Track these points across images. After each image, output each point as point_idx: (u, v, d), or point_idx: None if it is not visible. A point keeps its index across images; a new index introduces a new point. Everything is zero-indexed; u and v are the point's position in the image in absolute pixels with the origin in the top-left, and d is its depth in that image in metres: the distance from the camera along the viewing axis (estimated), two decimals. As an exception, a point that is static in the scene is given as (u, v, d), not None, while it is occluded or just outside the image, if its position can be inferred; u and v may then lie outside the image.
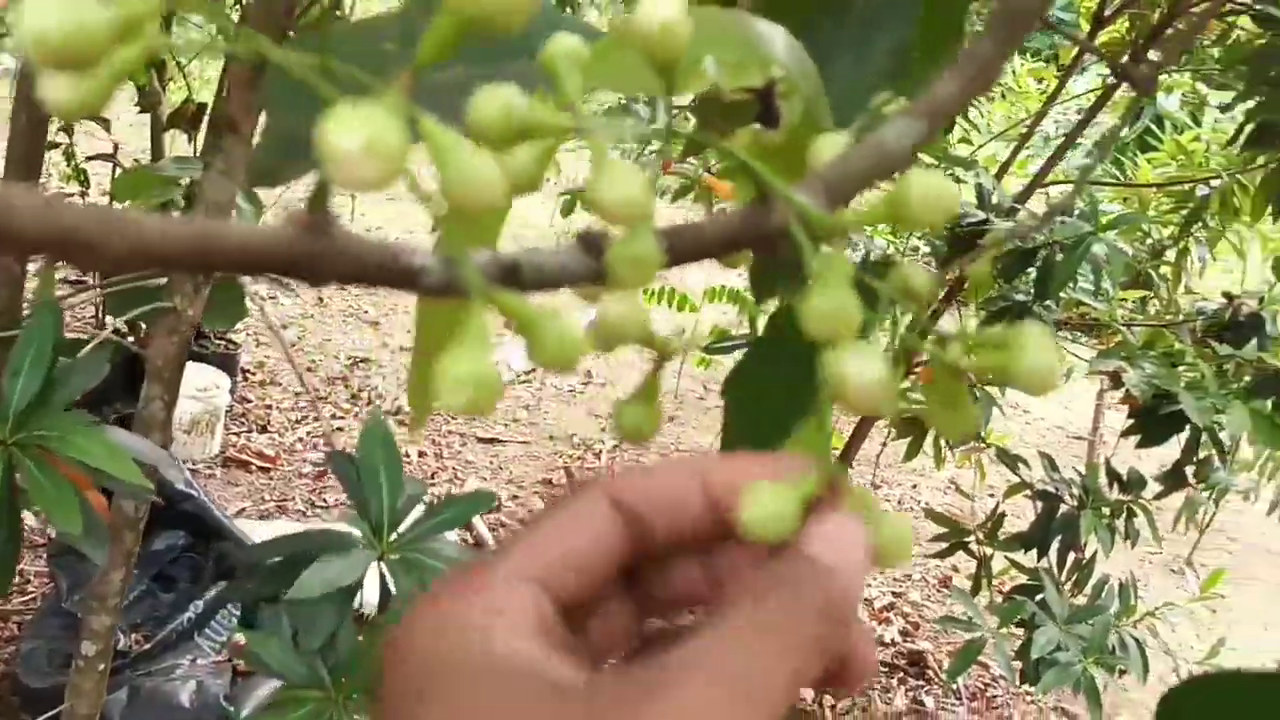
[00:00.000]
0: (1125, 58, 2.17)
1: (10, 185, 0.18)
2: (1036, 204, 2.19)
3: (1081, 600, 1.97)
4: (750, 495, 0.25)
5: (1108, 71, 2.29)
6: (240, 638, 1.87)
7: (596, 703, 0.21)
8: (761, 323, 2.02)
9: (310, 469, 2.77)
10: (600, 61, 0.30)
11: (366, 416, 3.08)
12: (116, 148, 2.39)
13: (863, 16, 0.53)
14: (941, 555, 2.12)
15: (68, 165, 2.65)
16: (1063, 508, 2.01)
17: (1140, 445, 2.00)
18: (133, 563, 1.09)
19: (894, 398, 0.25)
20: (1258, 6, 1.64)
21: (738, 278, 2.67)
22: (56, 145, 2.44)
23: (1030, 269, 1.91)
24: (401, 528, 0.85)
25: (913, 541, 0.26)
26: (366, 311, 3.80)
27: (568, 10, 2.41)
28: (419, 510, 0.89)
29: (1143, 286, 2.32)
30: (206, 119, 2.43)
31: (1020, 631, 1.86)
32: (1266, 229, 2.38)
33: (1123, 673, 1.91)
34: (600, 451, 3.17)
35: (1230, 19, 1.91)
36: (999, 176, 2.24)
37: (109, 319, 2.34)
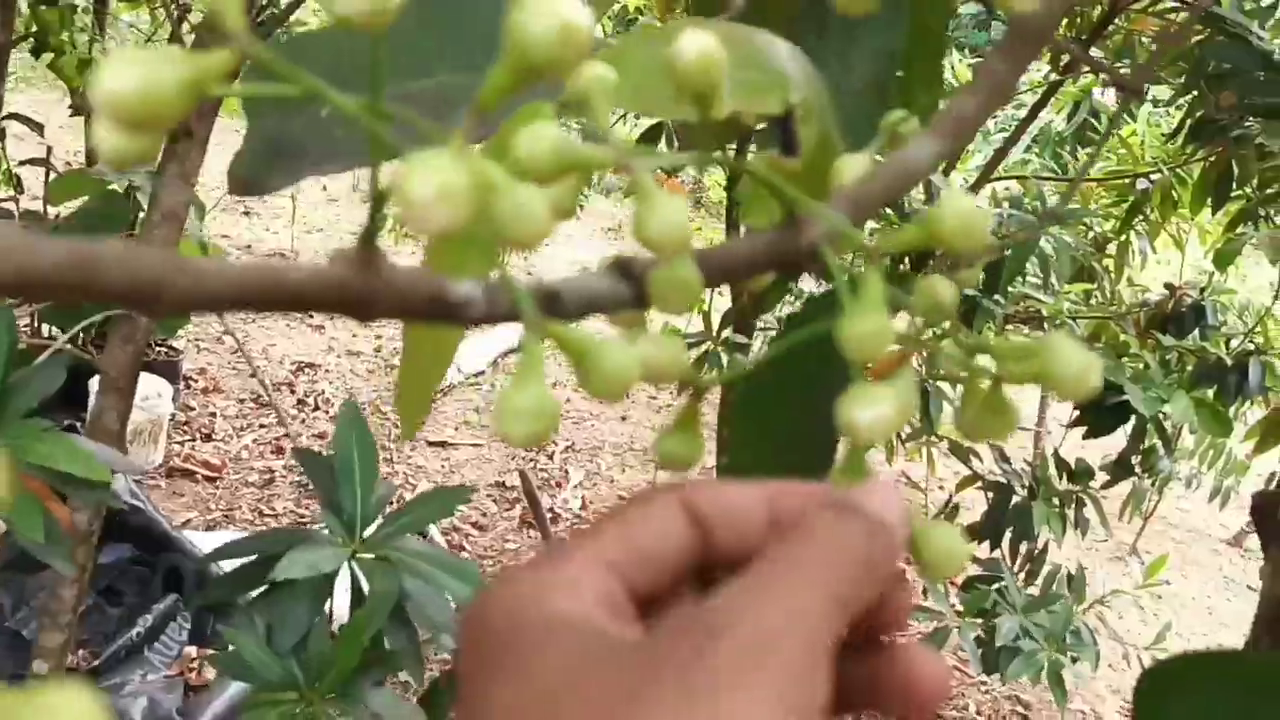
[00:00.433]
0: (1066, 55, 2.20)
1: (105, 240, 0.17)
2: (983, 199, 2.22)
3: (1034, 590, 2.00)
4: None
5: (1048, 68, 2.33)
6: (192, 651, 1.83)
7: (655, 655, 0.22)
8: (715, 320, 2.00)
9: (257, 477, 2.72)
10: (627, 78, 0.30)
11: (311, 422, 3.04)
12: (50, 152, 2.33)
13: (845, 26, 0.53)
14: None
15: (1, 168, 2.58)
16: (1014, 499, 2.04)
17: (1088, 436, 2.03)
18: (85, 578, 1.06)
19: (895, 428, 0.26)
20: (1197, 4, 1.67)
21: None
22: (-14, 149, 2.37)
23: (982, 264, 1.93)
24: (373, 527, 0.84)
25: (965, 553, 0.27)
26: (310, 315, 3.74)
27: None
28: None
29: (1087, 280, 2.36)
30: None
31: (979, 620, 1.89)
32: (1205, 221, 2.44)
33: (1075, 659, 1.94)
34: (553, 453, 3.15)
35: (1171, 16, 1.94)
36: (945, 173, 2.27)
37: (45, 327, 2.28)
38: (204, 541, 2.01)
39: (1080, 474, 2.09)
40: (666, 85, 0.27)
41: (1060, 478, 2.08)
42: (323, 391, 3.22)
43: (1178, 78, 2.02)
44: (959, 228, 0.25)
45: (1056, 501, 2.04)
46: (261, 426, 2.93)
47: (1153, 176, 2.27)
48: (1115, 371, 2.02)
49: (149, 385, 2.60)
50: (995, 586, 1.88)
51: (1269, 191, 2.07)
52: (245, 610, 0.81)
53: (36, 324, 2.34)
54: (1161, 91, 2.70)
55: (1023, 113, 2.16)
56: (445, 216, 0.19)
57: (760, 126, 0.36)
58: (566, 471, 3.07)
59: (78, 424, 2.07)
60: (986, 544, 2.04)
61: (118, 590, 1.89)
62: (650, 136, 2.03)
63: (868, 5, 0.33)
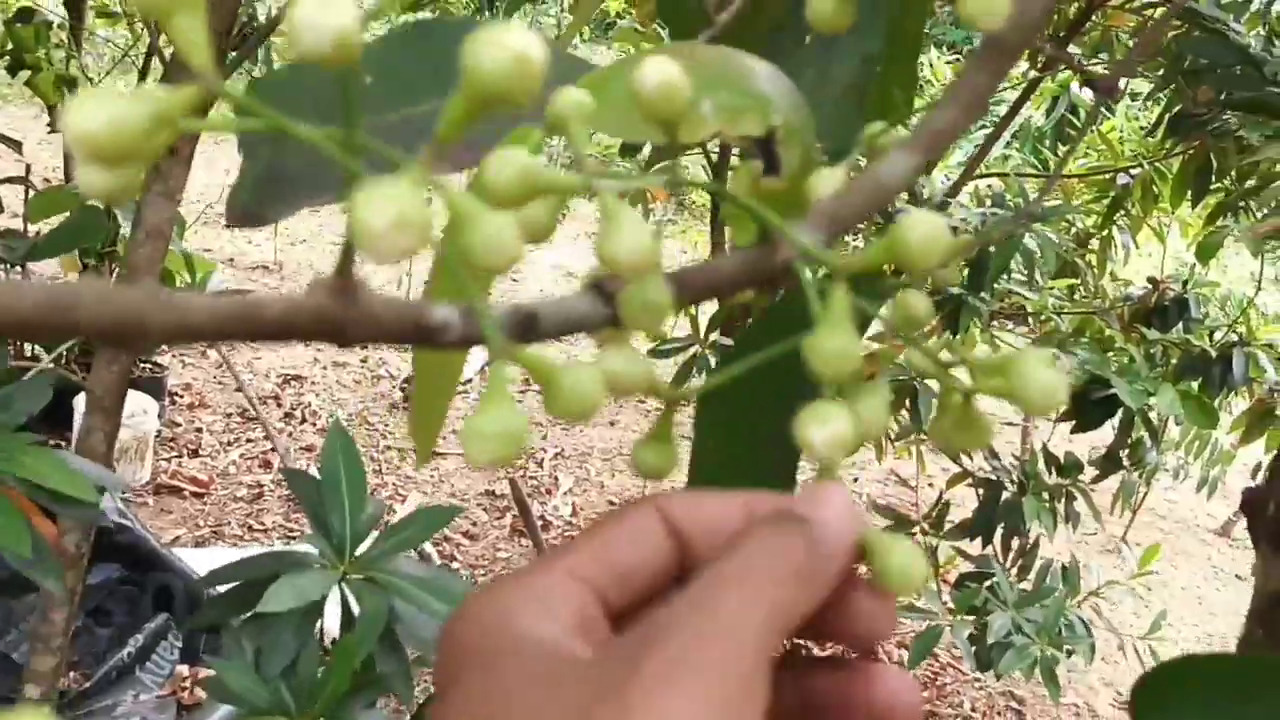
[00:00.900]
0: (1044, 51, 2.21)
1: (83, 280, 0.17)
2: (965, 196, 2.23)
3: (1026, 585, 2.00)
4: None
5: (1025, 65, 2.34)
6: (184, 670, 1.82)
7: (602, 671, 0.22)
8: (702, 324, 2.00)
9: (245, 492, 2.71)
10: (604, 105, 0.30)
11: (298, 435, 3.02)
12: (29, 169, 2.32)
13: (822, 37, 0.53)
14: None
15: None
16: (1004, 494, 2.04)
17: (1075, 430, 2.04)
18: (76, 601, 1.05)
19: (851, 445, 0.26)
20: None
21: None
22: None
23: (963, 262, 1.94)
24: (363, 546, 0.83)
25: (923, 570, 0.27)
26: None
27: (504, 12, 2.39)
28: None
29: (1070, 275, 2.37)
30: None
31: (970, 618, 1.89)
32: (1186, 214, 2.45)
33: (1070, 653, 1.94)
34: (543, 460, 3.15)
35: (1147, 11, 1.96)
36: (927, 173, 2.27)
37: (28, 347, 2.26)
38: (193, 558, 2.00)
39: (1069, 468, 2.10)
40: (623, 103, 0.28)
41: (1049, 472, 2.09)
42: (309, 404, 3.21)
43: (1156, 73, 2.03)
44: (921, 247, 0.25)
45: (1046, 496, 2.05)
46: (249, 441, 2.92)
47: (1133, 171, 2.28)
48: (1101, 365, 2.02)
49: (134, 402, 2.59)
50: (987, 584, 1.89)
51: (1248, 184, 2.09)
52: (234, 634, 0.80)
53: (19, 343, 2.33)
54: (1140, 86, 2.71)
55: (1003, 109, 2.17)
56: (400, 245, 0.19)
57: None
58: (556, 478, 3.06)
59: (62, 444, 2.06)
60: (979, 540, 2.04)
61: (107, 610, 1.87)
62: (632, 147, 2.02)
63: (844, 23, 0.34)
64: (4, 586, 1.81)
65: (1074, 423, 2.06)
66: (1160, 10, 1.88)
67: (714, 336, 1.94)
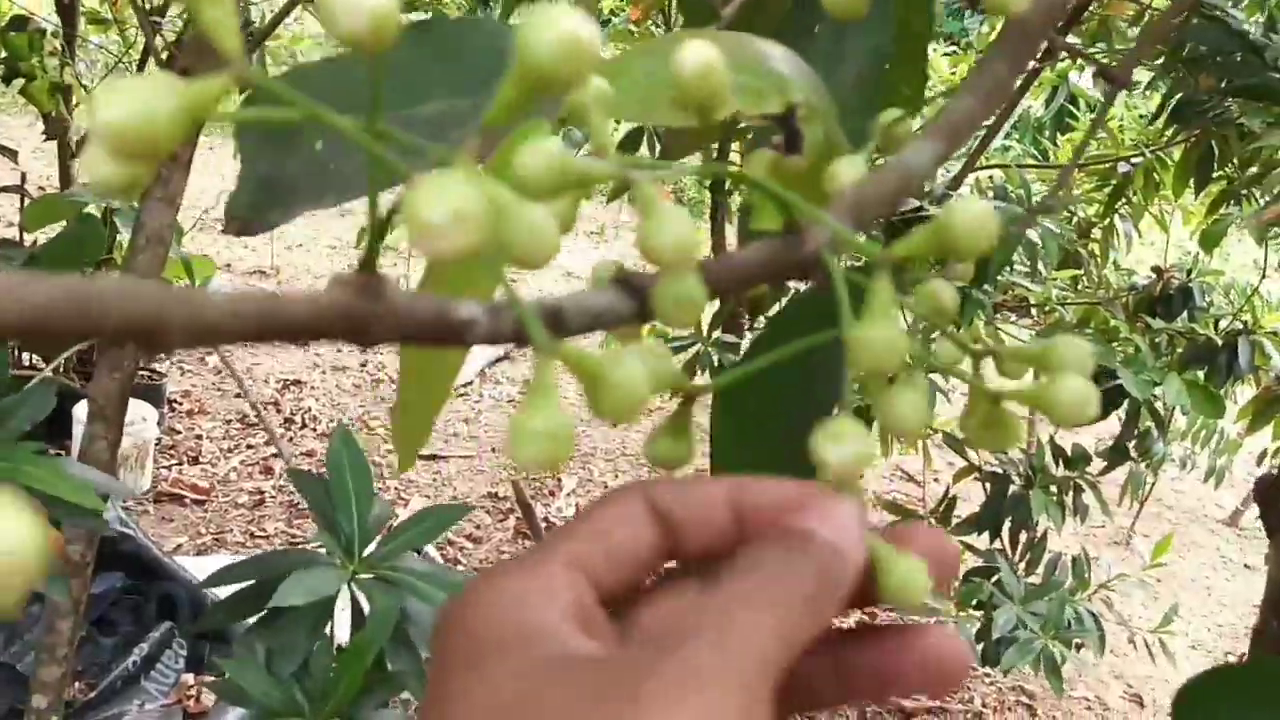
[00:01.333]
0: (1054, 43, 2.20)
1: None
2: (967, 189, 2.22)
3: (1035, 579, 1.99)
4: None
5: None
6: (189, 678, 1.81)
7: (608, 673, 0.23)
8: (705, 321, 2.00)
9: (247, 499, 2.70)
10: (626, 94, 0.31)
11: (299, 440, 3.01)
12: (24, 178, 2.31)
13: (833, 27, 0.53)
14: (895, 543, 2.13)
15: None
16: (1012, 488, 2.03)
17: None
18: (81, 610, 1.04)
19: (868, 465, 0.26)
20: (1174, -15, 1.67)
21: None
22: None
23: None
24: (372, 545, 0.83)
25: (926, 584, 0.27)
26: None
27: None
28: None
29: (1073, 266, 2.35)
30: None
31: (978, 613, 1.88)
32: (1188, 203, 2.44)
33: (1080, 646, 1.93)
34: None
35: (1146, 0, 1.94)
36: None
37: (26, 356, 2.25)
38: (196, 566, 1.99)
39: (1076, 460, 2.09)
40: (667, 95, 0.28)
41: (1056, 465, 2.08)
42: (309, 409, 3.19)
43: (1156, 61, 2.02)
44: (971, 233, 0.25)
45: (1054, 489, 2.04)
46: (249, 447, 2.91)
47: (1134, 160, 2.27)
48: (1107, 356, 2.01)
49: (133, 410, 2.57)
50: (994, 579, 1.87)
51: (1251, 172, 2.08)
52: (244, 637, 0.80)
53: (17, 353, 2.32)
54: (1140, 74, 2.70)
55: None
56: (460, 240, 0.19)
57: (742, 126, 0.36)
58: (559, 479, 3.05)
59: (62, 452, 2.05)
60: (987, 535, 2.03)
61: (111, 620, 1.86)
62: (631, 140, 2.01)
63: (859, 10, 0.33)
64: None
65: (1080, 414, 2.05)
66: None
67: (717, 334, 1.93)
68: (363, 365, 3.51)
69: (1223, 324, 2.08)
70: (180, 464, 2.80)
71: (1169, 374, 1.97)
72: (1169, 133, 2.09)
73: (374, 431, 3.08)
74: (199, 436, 2.93)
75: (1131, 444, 2.07)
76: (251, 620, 0.80)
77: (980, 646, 1.84)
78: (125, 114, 0.18)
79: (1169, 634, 2.11)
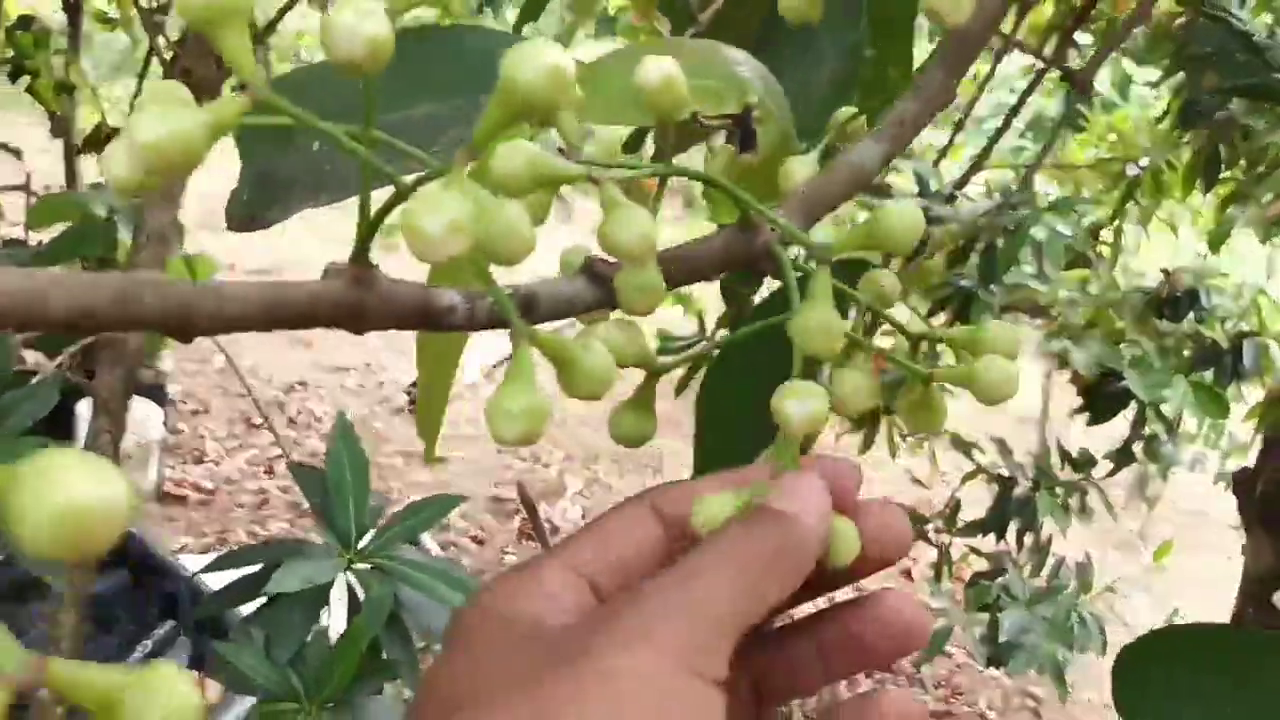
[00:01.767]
0: (1051, 41, 2.19)
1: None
2: (974, 188, 2.21)
3: (1040, 581, 1.99)
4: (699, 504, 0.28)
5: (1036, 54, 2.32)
6: (194, 675, 1.81)
7: (571, 635, 0.25)
8: (709, 321, 2.00)
9: (250, 498, 2.70)
10: (597, 98, 0.33)
11: (302, 441, 3.02)
12: (29, 177, 2.31)
13: (806, 29, 0.54)
14: (901, 546, 2.13)
15: (-22, 198, 2.56)
16: (1018, 490, 2.03)
17: (1090, 423, 2.02)
18: (85, 602, 1.05)
19: (824, 421, 0.29)
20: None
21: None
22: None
23: (973, 255, 1.92)
24: (368, 536, 0.84)
25: (855, 545, 0.29)
26: (298, 332, 3.72)
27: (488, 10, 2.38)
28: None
29: (1082, 267, 2.35)
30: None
31: (983, 616, 1.87)
32: (1198, 204, 2.43)
33: (1084, 649, 1.93)
34: (550, 463, 3.13)
35: (1154, -1, 1.93)
36: (936, 163, 2.26)
37: (28, 353, 2.25)
38: (199, 566, 1.99)
39: (1083, 463, 2.08)
40: (633, 102, 0.30)
41: (1063, 467, 2.07)
42: (313, 410, 3.20)
43: (1163, 61, 2.02)
44: (899, 230, 0.28)
45: (1060, 492, 2.03)
46: (253, 447, 2.91)
47: (1142, 161, 2.27)
48: (1113, 358, 2.01)
49: (137, 409, 2.57)
50: (1000, 580, 1.87)
51: (1258, 171, 2.07)
52: (242, 624, 0.81)
53: (19, 351, 2.32)
54: (1151, 74, 2.69)
55: (1013, 100, 2.15)
56: (454, 248, 0.21)
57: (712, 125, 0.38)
58: (564, 481, 3.05)
59: (66, 451, 2.05)
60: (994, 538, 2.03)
61: (114, 618, 1.87)
62: (636, 139, 2.01)
63: (814, 14, 0.36)
64: (14, 593, 1.81)
65: (1087, 416, 2.04)
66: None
67: (721, 333, 1.93)
68: (366, 366, 3.51)
69: (1229, 325, 2.07)
70: (185, 463, 2.80)
71: (1176, 376, 1.96)
72: (1176, 134, 2.09)
73: (377, 433, 3.08)
74: (203, 436, 2.94)
75: (1138, 446, 2.06)
76: (250, 609, 0.81)
77: (986, 648, 1.83)
78: (161, 136, 0.20)
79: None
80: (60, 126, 2.53)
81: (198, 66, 0.93)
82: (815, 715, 2.05)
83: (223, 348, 1.52)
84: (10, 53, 2.43)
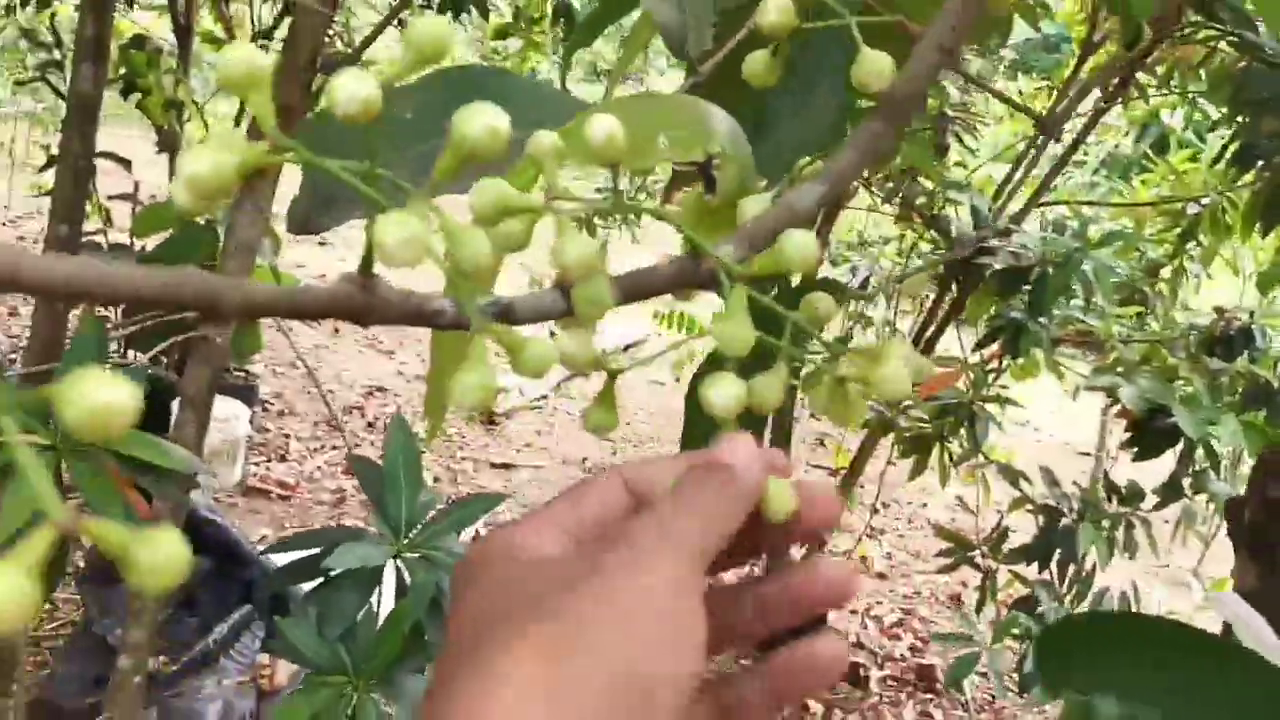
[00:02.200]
0: (1115, 81, 2.23)
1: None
2: (1033, 223, 2.25)
3: (1083, 611, 2.01)
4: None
5: (1099, 94, 2.35)
6: (264, 659, 1.93)
7: (567, 560, 0.30)
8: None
9: (329, 496, 2.83)
10: (571, 147, 0.38)
11: (379, 444, 3.15)
12: (137, 187, 2.47)
13: (804, 79, 0.61)
14: (946, 570, 2.17)
15: (90, 204, 2.73)
16: (1062, 521, 2.05)
17: (1137, 458, 2.04)
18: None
19: (740, 405, 0.33)
20: (1236, 32, 1.70)
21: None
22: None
23: (1025, 287, 1.96)
24: (418, 527, 0.91)
25: (790, 503, 0.34)
26: (381, 341, 3.87)
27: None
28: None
29: (1140, 303, 2.37)
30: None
31: (1016, 644, 1.90)
32: (1260, 245, 2.43)
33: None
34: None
35: (1213, 42, 1.96)
36: (996, 197, 2.30)
37: (132, 354, 2.41)
38: (277, 556, 2.11)
39: (1131, 497, 2.10)
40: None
41: (1110, 500, 2.09)
42: (390, 414, 3.33)
43: (1223, 106, 2.04)
44: (796, 256, 0.33)
45: (1105, 524, 2.05)
46: (333, 448, 3.05)
47: (1204, 201, 2.28)
48: (1163, 394, 2.03)
49: (227, 408, 2.73)
50: (1038, 610, 1.90)
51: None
52: (301, 602, 0.89)
53: (124, 349, 2.48)
54: (1212, 114, 2.70)
55: (1090, 139, 2.19)
56: (407, 257, 0.27)
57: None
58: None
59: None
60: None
61: (196, 601, 1.99)
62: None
63: (772, 79, 0.42)
64: (101, 575, 1.95)
65: (1135, 450, 2.06)
66: (1224, 42, 1.89)
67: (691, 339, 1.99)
68: (444, 375, 3.63)
69: (1283, 366, 2.07)
70: (269, 461, 2.95)
71: (1226, 414, 1.97)
72: (1235, 175, 2.10)
73: (450, 439, 3.19)
74: (287, 436, 3.08)
75: (1187, 481, 2.07)
76: (308, 588, 0.90)
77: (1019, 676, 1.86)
78: (202, 169, 0.26)
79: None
80: (167, 141, 2.70)
81: (283, 94, 1.04)
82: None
83: (302, 356, 1.63)
84: (123, 70, 2.61)
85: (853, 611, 2.69)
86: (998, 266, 1.99)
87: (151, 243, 1.90)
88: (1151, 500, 2.09)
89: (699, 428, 0.57)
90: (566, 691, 0.26)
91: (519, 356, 0.31)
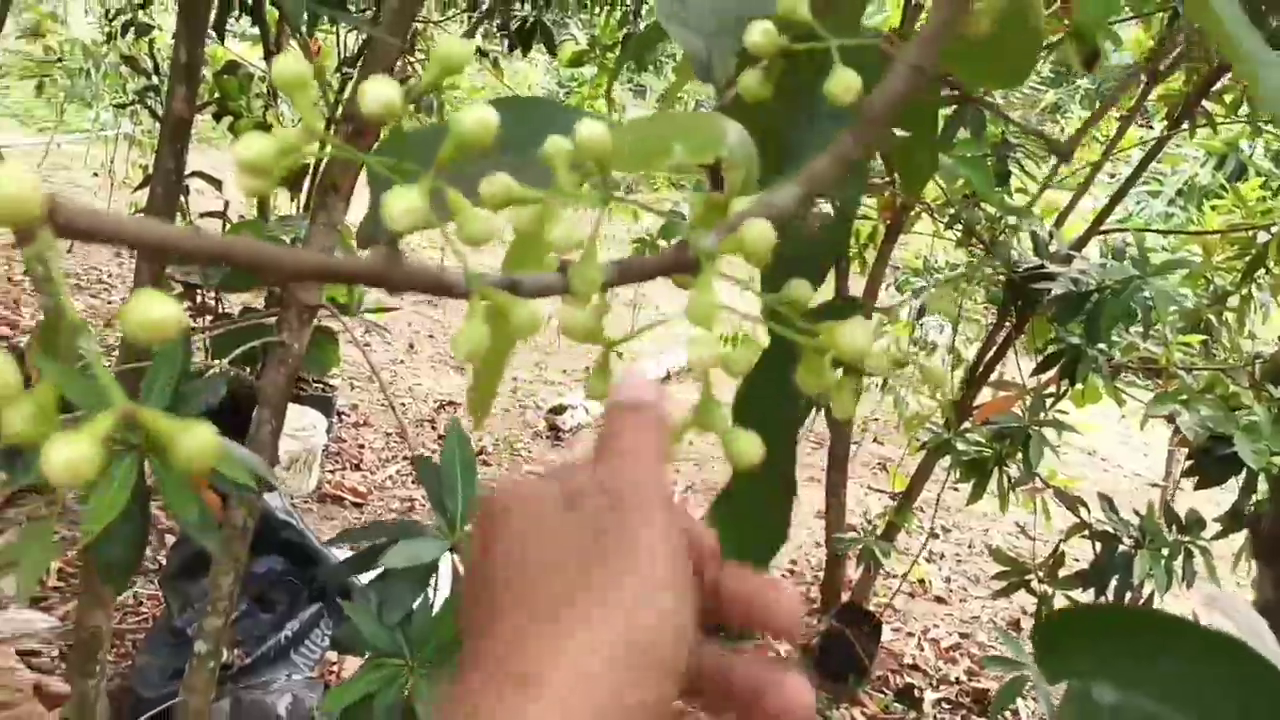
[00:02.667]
0: (1181, 108, 2.23)
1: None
2: (1094, 250, 2.26)
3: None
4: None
5: (1166, 121, 2.35)
6: (333, 656, 2.01)
7: (585, 515, 0.34)
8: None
9: (399, 504, 2.92)
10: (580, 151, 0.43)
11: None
12: (227, 205, 2.60)
13: (830, 112, 0.66)
14: (1001, 594, 2.17)
15: (183, 220, 2.87)
16: (1120, 547, 2.05)
17: (1198, 486, 2.04)
18: (240, 569, 1.23)
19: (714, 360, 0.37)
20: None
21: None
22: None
23: (1083, 313, 1.97)
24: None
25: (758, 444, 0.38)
26: (452, 358, 3.96)
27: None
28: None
29: (1205, 331, 2.35)
30: (309, 180, 2.63)
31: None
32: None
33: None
34: (673, 492, 3.27)
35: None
36: (1059, 223, 2.31)
37: (215, 361, 2.53)
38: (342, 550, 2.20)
39: (1191, 525, 2.09)
40: (632, 156, 0.42)
41: (1170, 529, 2.08)
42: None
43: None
44: (754, 241, 0.37)
45: (1164, 552, 2.04)
46: (404, 458, 3.14)
47: (1273, 229, 2.27)
48: (1226, 423, 2.02)
49: (305, 418, 2.84)
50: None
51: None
52: (362, 590, 0.96)
53: (209, 356, 2.60)
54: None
55: (1164, 165, 2.20)
56: (409, 223, 0.32)
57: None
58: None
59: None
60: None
61: (269, 599, 2.08)
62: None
63: (765, 95, 0.46)
64: (182, 572, 2.05)
65: (1197, 479, 2.06)
66: None
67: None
68: (513, 393, 3.72)
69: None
70: (343, 469, 3.05)
71: (1288, 444, 1.96)
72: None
73: (518, 453, 3.27)
74: (361, 446, 3.19)
75: (1249, 511, 2.05)
76: (369, 577, 0.97)
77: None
78: (251, 153, 0.32)
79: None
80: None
81: (359, 111, 1.12)
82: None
83: (378, 371, 1.71)
84: (216, 95, 2.74)
85: (909, 633, 2.69)
86: (1057, 292, 2.01)
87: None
88: (1213, 529, 2.07)
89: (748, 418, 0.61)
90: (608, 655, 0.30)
91: (511, 316, 0.36)
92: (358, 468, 3.07)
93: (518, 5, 2.88)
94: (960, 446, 2.22)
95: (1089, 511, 2.15)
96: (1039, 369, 2.10)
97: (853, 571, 2.69)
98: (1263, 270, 2.34)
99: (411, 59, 2.98)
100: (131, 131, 4.64)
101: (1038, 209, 2.28)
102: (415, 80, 2.45)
